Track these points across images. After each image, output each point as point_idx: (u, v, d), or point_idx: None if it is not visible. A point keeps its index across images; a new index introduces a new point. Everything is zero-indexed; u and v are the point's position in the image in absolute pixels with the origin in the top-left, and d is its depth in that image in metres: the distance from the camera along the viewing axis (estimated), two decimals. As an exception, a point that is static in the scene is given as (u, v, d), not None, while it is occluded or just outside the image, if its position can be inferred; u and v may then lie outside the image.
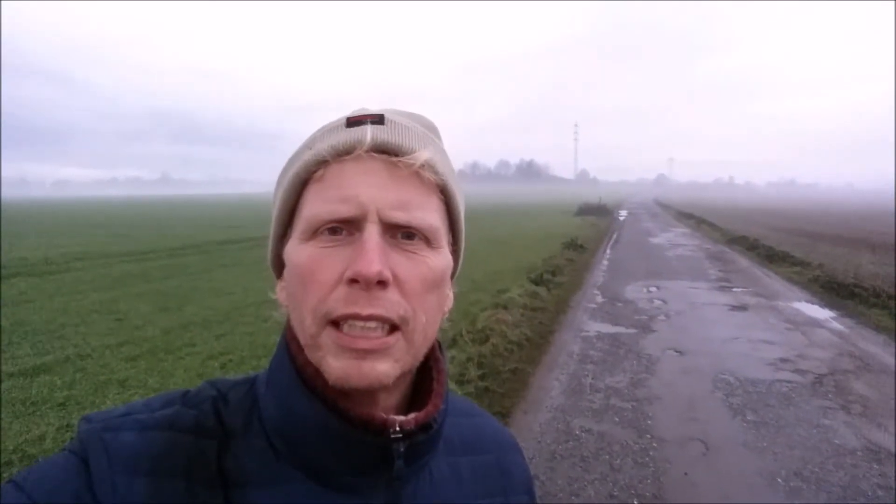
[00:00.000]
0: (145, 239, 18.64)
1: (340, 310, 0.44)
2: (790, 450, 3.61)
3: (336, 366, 0.44)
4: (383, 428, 0.47)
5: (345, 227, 0.45)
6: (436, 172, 0.48)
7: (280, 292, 0.52)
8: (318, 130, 0.50)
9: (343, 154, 0.46)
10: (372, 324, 0.44)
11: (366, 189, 0.45)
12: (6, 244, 15.67)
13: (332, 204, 0.45)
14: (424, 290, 0.47)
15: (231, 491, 0.46)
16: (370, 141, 0.46)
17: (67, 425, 3.79)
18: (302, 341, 0.47)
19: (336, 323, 0.44)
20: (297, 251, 0.47)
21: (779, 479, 3.25)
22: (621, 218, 33.75)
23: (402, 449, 0.48)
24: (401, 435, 0.47)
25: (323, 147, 0.47)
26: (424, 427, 0.49)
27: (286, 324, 0.52)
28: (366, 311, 0.43)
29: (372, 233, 0.44)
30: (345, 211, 0.45)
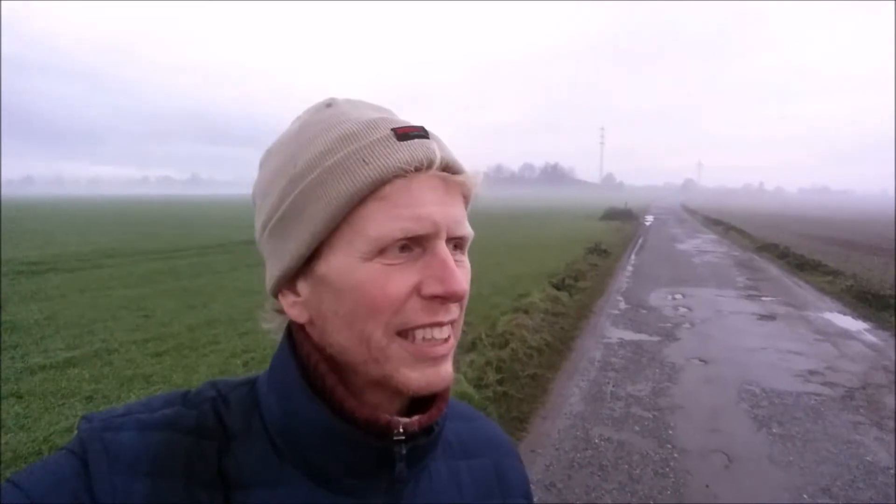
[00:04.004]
0: (174, 237, 19.09)
1: (423, 319, 0.46)
2: (818, 465, 3.50)
3: (415, 376, 0.46)
4: (387, 430, 0.47)
5: (412, 244, 0.46)
6: (476, 188, 0.51)
7: (291, 308, 0.50)
8: (360, 139, 0.46)
9: (415, 171, 0.46)
10: (446, 330, 0.48)
11: (435, 207, 0.46)
12: (42, 241, 16.22)
13: (404, 222, 0.45)
14: (467, 294, 0.50)
15: (232, 492, 0.46)
16: (440, 159, 0.47)
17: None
18: (360, 357, 0.47)
19: (405, 334, 0.46)
20: (359, 269, 0.45)
21: (805, 496, 3.16)
22: (647, 223, 33.26)
23: (404, 451, 0.48)
24: (403, 437, 0.48)
25: (391, 164, 0.45)
26: (426, 430, 0.50)
27: (287, 329, 0.52)
28: (446, 318, 0.47)
29: (446, 250, 0.46)
30: (419, 229, 0.45)
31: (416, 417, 0.49)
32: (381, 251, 0.45)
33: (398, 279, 0.45)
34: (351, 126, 0.47)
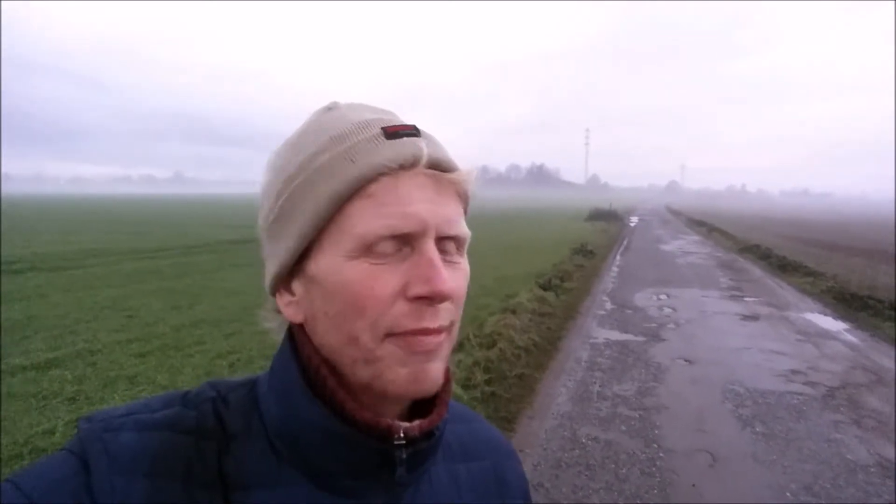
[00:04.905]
0: (158, 237, 18.85)
1: (409, 325, 0.45)
2: (800, 463, 3.56)
3: (403, 372, 0.45)
4: (388, 434, 0.47)
5: (398, 243, 0.45)
6: (470, 187, 0.50)
7: (286, 308, 0.50)
8: (349, 138, 0.47)
9: (402, 169, 0.46)
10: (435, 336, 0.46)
11: (423, 205, 0.45)
12: (22, 240, 15.91)
13: (390, 220, 0.44)
14: (462, 296, 0.49)
15: (231, 493, 0.45)
16: (427, 157, 0.46)
17: (77, 419, 3.83)
18: (348, 359, 0.46)
19: (398, 335, 0.45)
20: (345, 268, 0.45)
21: (788, 494, 3.21)
22: (632, 224, 33.58)
23: (404, 456, 0.48)
24: (404, 441, 0.47)
25: (376, 161, 0.45)
26: (427, 434, 0.49)
27: (288, 330, 0.52)
28: (434, 325, 0.45)
29: (433, 249, 0.45)
30: (405, 227, 0.44)
31: (416, 422, 0.49)
32: (368, 250, 0.45)
33: (385, 279, 0.44)
34: (343, 127, 0.48)
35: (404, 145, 0.46)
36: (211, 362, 5.16)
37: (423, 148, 0.46)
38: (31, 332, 6.01)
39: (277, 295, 0.51)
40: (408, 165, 0.46)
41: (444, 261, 0.47)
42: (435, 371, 0.46)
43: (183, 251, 14.67)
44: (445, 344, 0.48)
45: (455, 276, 0.47)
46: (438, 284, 0.44)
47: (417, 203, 0.45)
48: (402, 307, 0.45)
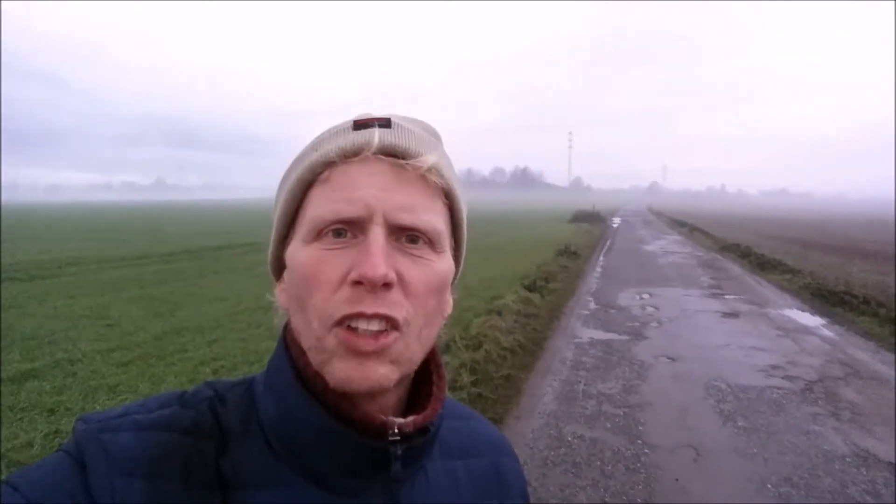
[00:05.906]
0: (139, 244, 18.55)
1: (345, 310, 0.44)
2: (780, 456, 3.63)
3: (340, 367, 0.45)
4: (382, 430, 0.47)
5: (349, 229, 0.45)
6: (441, 176, 0.48)
7: (279, 294, 0.52)
8: (325, 132, 0.50)
9: (350, 156, 0.46)
10: (375, 323, 0.44)
11: (372, 190, 0.45)
12: (-3, 249, 15.55)
13: (337, 204, 0.45)
14: (427, 294, 0.47)
15: (229, 493, 0.46)
16: (377, 143, 0.46)
17: (56, 431, 3.75)
18: (305, 344, 0.47)
19: (340, 324, 0.45)
20: (300, 253, 0.47)
21: (769, 485, 3.27)
22: (615, 225, 33.92)
23: (399, 451, 0.48)
24: (399, 437, 0.47)
25: (330, 149, 0.47)
26: (422, 430, 0.50)
27: (285, 326, 0.52)
28: (371, 310, 0.44)
29: (377, 234, 0.44)
30: (350, 211, 0.45)
31: (411, 418, 0.49)
32: (319, 235, 0.46)
33: (333, 264, 0.45)
34: (332, 125, 0.50)
35: (363, 134, 0.47)
36: (194, 370, 5.09)
37: (373, 135, 0.47)
38: (8, 343, 5.87)
39: (277, 283, 0.53)
40: (356, 151, 0.47)
41: (406, 252, 0.46)
42: (373, 372, 0.45)
43: (164, 258, 14.47)
44: (395, 346, 0.45)
45: (410, 268, 0.46)
46: (367, 268, 0.43)
47: (366, 188, 0.45)
48: (345, 292, 0.44)
